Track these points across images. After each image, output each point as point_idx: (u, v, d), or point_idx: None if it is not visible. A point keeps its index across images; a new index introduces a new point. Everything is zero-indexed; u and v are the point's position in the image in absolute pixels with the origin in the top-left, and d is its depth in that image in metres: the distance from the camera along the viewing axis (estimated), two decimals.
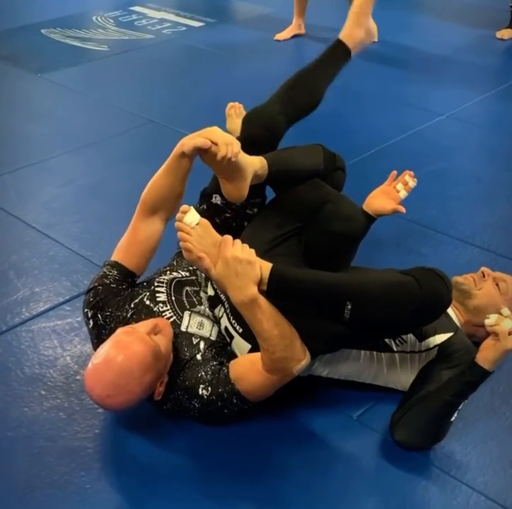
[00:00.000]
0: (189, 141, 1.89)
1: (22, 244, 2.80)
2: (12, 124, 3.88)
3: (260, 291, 1.76)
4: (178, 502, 1.79)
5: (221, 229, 1.89)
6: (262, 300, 1.76)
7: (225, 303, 1.97)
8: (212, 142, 1.87)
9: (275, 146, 2.25)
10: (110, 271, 2.03)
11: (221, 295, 1.99)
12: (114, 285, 2.00)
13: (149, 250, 2.06)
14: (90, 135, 3.71)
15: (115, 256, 2.06)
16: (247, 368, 1.85)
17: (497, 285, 2.16)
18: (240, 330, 1.92)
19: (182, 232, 1.80)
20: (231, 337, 1.96)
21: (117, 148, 3.59)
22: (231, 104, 2.74)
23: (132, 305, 1.99)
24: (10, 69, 4.58)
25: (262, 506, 1.79)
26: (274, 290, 1.77)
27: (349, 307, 1.73)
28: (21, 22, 5.43)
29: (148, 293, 2.01)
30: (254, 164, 2.00)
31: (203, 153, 1.90)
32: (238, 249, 1.76)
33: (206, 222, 1.83)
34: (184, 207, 1.83)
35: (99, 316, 1.97)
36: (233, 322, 1.94)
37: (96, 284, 2.01)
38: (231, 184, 1.99)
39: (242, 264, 1.73)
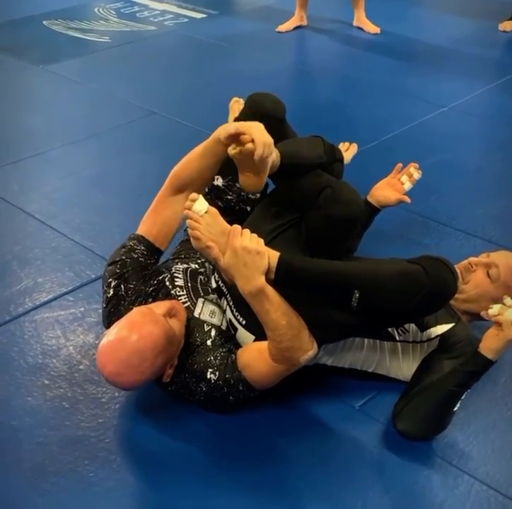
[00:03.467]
0: (232, 124, 1.87)
1: (25, 235, 2.81)
2: (14, 115, 3.88)
3: (268, 280, 1.76)
4: (181, 489, 1.80)
5: (224, 213, 1.89)
6: (270, 290, 1.76)
7: (228, 296, 1.98)
8: (246, 137, 1.84)
9: (280, 123, 2.29)
10: (137, 246, 2.04)
11: (223, 288, 2.00)
12: (142, 259, 2.02)
13: (173, 228, 2.07)
14: (92, 126, 3.71)
15: (140, 231, 2.06)
16: (255, 357, 1.86)
17: (488, 272, 2.12)
18: (244, 322, 1.93)
19: (190, 220, 1.81)
20: (235, 329, 1.97)
21: (119, 139, 3.59)
22: (235, 98, 2.74)
23: (154, 282, 2.00)
24: (12, 61, 4.58)
25: (264, 492, 1.80)
26: (282, 278, 1.77)
27: (357, 295, 1.73)
28: (23, 13, 5.42)
29: (168, 275, 2.04)
30: (272, 155, 2.00)
31: (236, 144, 1.86)
32: (247, 239, 1.76)
33: (214, 210, 1.84)
34: (193, 195, 1.83)
35: (122, 286, 1.98)
36: (236, 314, 1.94)
37: (124, 257, 2.01)
38: (253, 177, 1.98)
39: (250, 254, 1.74)
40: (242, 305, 1.86)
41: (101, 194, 3.09)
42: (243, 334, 1.95)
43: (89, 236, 2.78)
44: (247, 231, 1.79)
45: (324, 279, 1.78)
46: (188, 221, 1.82)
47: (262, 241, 1.78)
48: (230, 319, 1.98)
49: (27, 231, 2.83)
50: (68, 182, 3.20)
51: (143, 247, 2.04)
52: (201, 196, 1.84)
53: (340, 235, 2.00)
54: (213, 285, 2.06)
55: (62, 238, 2.77)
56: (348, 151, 2.68)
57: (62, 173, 3.27)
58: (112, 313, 1.97)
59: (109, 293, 1.99)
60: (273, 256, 1.77)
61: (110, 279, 2.00)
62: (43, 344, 2.24)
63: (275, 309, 1.76)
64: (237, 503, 1.77)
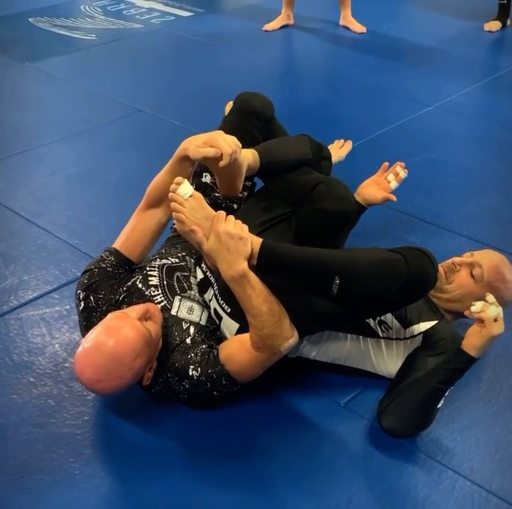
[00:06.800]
0: (197, 149, 1.87)
1: (10, 232, 2.79)
2: None
3: (250, 266, 1.79)
4: (167, 485, 1.80)
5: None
6: (252, 276, 1.79)
7: (214, 285, 1.99)
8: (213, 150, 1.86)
9: (268, 121, 2.31)
10: (108, 257, 2.04)
11: (211, 278, 2.01)
12: (110, 269, 2.02)
13: (149, 240, 2.07)
14: (79, 124, 3.70)
15: (115, 244, 2.08)
16: (236, 348, 1.87)
17: (472, 272, 2.12)
18: (229, 310, 1.94)
19: (175, 203, 1.83)
20: (220, 318, 1.98)
21: (105, 137, 3.58)
22: (231, 102, 2.74)
23: (125, 288, 2.00)
24: None
25: (248, 487, 1.81)
26: (264, 264, 1.79)
27: (337, 281, 1.75)
28: (8, 10, 5.39)
29: (140, 277, 2.03)
30: (248, 158, 2.03)
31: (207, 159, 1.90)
32: (231, 225, 1.78)
33: (199, 195, 1.86)
34: (178, 179, 1.85)
35: (91, 298, 1.98)
36: (222, 302, 1.96)
37: (93, 267, 2.03)
38: (227, 180, 2.03)
39: (233, 239, 1.76)
40: (227, 293, 1.87)
41: (87, 192, 3.08)
42: (228, 323, 1.96)
43: (75, 234, 2.77)
44: (231, 217, 1.81)
45: (306, 265, 1.80)
46: (172, 204, 1.83)
47: (246, 227, 1.80)
48: (215, 309, 1.99)
49: (12, 228, 2.82)
50: (54, 180, 3.19)
51: (113, 258, 2.04)
52: (186, 180, 1.85)
53: (332, 230, 2.03)
54: (200, 275, 2.07)
55: (48, 236, 2.76)
56: (343, 148, 2.69)
57: (48, 171, 3.25)
58: (86, 326, 1.96)
59: (80, 306, 2.00)
60: (256, 242, 1.80)
61: (79, 291, 2.01)
62: (28, 342, 2.24)
63: (257, 294, 1.78)
64: (222, 497, 1.78)
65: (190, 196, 1.83)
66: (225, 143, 1.85)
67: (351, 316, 1.89)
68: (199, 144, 1.87)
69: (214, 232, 1.79)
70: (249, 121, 2.27)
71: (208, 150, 1.85)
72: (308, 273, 1.80)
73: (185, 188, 1.83)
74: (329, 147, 2.68)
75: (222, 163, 1.85)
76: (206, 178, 2.30)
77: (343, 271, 1.76)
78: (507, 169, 3.30)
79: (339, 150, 2.68)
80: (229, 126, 2.26)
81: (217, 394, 1.90)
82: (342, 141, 2.73)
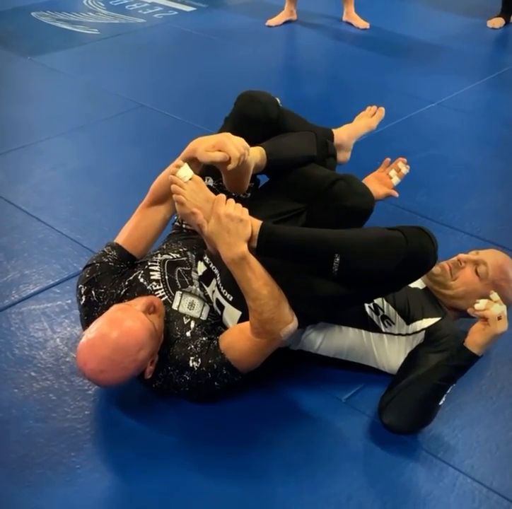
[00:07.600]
0: (205, 153, 1.87)
1: (12, 226, 2.79)
2: (1, 106, 3.86)
3: (250, 249, 1.79)
4: (168, 479, 1.80)
5: None
6: (252, 259, 1.79)
7: (217, 276, 1.99)
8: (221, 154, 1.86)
9: (269, 125, 2.22)
10: (110, 251, 2.05)
11: (214, 270, 2.01)
12: (111, 264, 2.02)
13: (151, 236, 2.08)
14: (80, 118, 3.70)
15: (117, 239, 2.08)
16: (236, 336, 1.88)
17: (476, 270, 2.11)
18: (231, 298, 1.95)
19: (175, 186, 1.83)
20: (222, 308, 1.98)
21: (107, 131, 3.58)
22: None
23: (126, 283, 2.00)
24: None
25: (247, 479, 1.82)
26: (264, 246, 1.80)
27: (337, 260, 1.75)
28: (11, 4, 5.39)
29: (142, 271, 2.03)
30: (256, 156, 2.02)
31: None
32: (231, 207, 1.79)
33: (199, 178, 1.86)
34: (178, 162, 1.86)
35: (93, 292, 1.98)
36: (224, 291, 1.96)
37: (94, 261, 2.03)
38: (234, 178, 2.03)
39: (233, 222, 1.76)
40: (230, 282, 1.88)
41: (89, 187, 3.08)
42: (230, 311, 1.96)
43: (76, 228, 2.77)
44: (231, 200, 1.81)
45: (306, 244, 1.80)
46: (172, 186, 1.83)
47: (246, 210, 1.80)
48: (217, 299, 1.99)
49: (14, 223, 2.82)
50: (56, 174, 3.18)
51: (115, 253, 2.04)
52: (186, 163, 1.85)
53: (351, 226, 2.01)
54: (202, 268, 2.07)
55: (49, 230, 2.76)
56: (375, 117, 2.60)
57: (49, 165, 3.25)
58: (87, 321, 1.96)
59: (81, 300, 2.00)
60: (255, 224, 1.80)
61: (80, 285, 2.01)
62: (30, 336, 2.24)
63: (257, 278, 1.79)
64: (222, 490, 1.79)
65: (190, 179, 1.83)
66: (233, 147, 1.84)
67: (351, 299, 1.88)
68: (208, 147, 1.87)
69: (215, 215, 1.79)
70: (250, 128, 2.17)
71: (216, 154, 1.85)
72: (308, 252, 1.81)
73: (185, 171, 1.83)
74: (359, 116, 2.62)
75: (230, 167, 1.85)
76: (209, 181, 2.29)
77: (343, 249, 1.76)
78: (508, 166, 3.30)
79: (370, 119, 2.60)
80: (230, 131, 2.24)
81: (218, 384, 1.90)
82: (374, 107, 2.61)
